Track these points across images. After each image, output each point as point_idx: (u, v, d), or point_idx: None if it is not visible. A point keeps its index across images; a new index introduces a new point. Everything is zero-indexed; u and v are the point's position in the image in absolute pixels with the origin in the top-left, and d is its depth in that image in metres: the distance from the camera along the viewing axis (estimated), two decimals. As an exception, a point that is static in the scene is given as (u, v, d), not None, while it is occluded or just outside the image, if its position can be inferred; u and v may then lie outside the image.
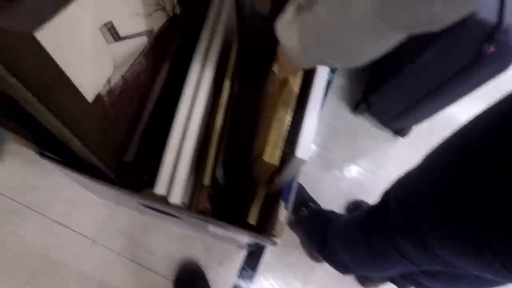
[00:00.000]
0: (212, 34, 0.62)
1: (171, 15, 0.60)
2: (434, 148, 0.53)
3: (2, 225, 0.94)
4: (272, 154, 0.48)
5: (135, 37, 0.53)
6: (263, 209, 0.60)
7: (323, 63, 0.41)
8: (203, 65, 0.58)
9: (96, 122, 0.48)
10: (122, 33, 0.51)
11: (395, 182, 0.61)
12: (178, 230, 1.04)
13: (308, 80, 0.56)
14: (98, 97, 0.48)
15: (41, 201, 0.98)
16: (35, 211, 0.97)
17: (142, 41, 0.55)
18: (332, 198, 1.13)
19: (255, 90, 0.78)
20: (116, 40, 0.50)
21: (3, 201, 0.95)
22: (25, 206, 0.96)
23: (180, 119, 0.54)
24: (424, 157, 0.55)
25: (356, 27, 0.30)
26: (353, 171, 1.20)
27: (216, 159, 0.57)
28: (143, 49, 0.55)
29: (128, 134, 0.58)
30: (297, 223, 1.05)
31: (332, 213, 0.98)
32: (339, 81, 1.38)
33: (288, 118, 0.52)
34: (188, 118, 0.54)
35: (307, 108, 0.51)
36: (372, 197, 0.98)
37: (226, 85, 0.62)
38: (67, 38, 0.40)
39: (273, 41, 0.56)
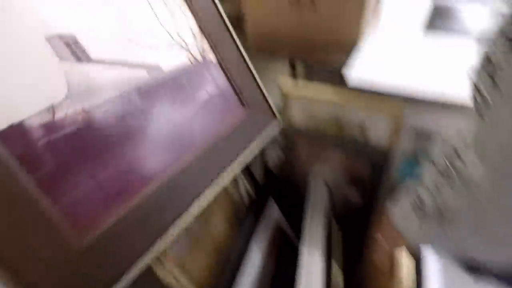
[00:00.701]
0: (313, 218, 0.58)
1: (198, 59, 0.46)
2: None
3: None
4: None
5: (120, 65, 0.38)
6: None
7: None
8: (312, 249, 0.52)
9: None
10: (94, 54, 0.36)
11: None
12: None
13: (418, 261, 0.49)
14: (20, 128, 0.28)
15: None
16: None
17: (137, 74, 0.40)
18: None
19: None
20: (80, 60, 0.35)
21: None
22: None
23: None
24: None
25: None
26: None
27: None
28: (139, 86, 0.39)
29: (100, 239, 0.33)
30: None
31: None
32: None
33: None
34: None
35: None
36: None
37: (336, 269, 0.56)
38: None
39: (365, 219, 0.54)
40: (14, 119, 0.29)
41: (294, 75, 0.69)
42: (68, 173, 0.31)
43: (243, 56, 0.52)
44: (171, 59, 0.43)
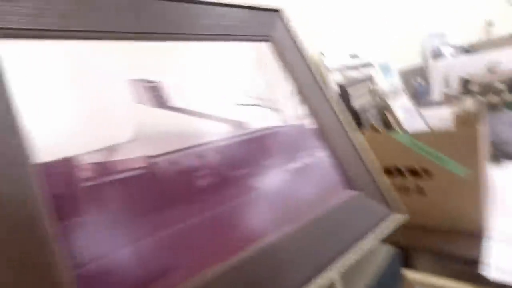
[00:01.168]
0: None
1: (293, 123, 0.40)
2: None
3: None
4: None
5: (200, 117, 0.34)
6: None
7: None
8: None
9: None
10: (173, 102, 0.33)
11: None
12: None
13: None
14: (68, 163, 0.24)
15: None
16: None
17: (218, 128, 0.34)
18: None
19: None
20: (157, 106, 0.32)
21: None
22: None
23: None
24: None
25: None
26: None
27: None
28: (216, 140, 0.33)
29: None
30: None
31: None
32: None
33: None
34: None
35: None
36: None
37: None
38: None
39: None
40: (67, 152, 0.24)
41: (407, 263, 0.58)
42: (102, 228, 0.23)
43: (346, 133, 0.44)
44: (261, 119, 0.38)
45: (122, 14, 0.32)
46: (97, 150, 0.25)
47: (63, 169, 0.23)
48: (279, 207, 0.32)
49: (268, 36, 0.43)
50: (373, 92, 0.82)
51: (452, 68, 1.50)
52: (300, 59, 0.44)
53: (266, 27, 0.44)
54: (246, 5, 0.43)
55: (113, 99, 0.29)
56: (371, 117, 0.74)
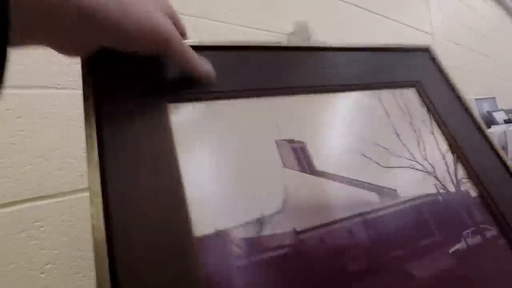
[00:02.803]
0: None
1: (450, 189, 0.33)
2: None
3: None
4: None
5: (347, 183, 0.29)
6: None
7: None
8: None
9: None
10: (319, 165, 0.29)
11: None
12: None
13: None
14: (223, 237, 0.23)
15: None
16: None
17: (365, 197, 0.29)
18: None
19: None
20: (303, 170, 0.28)
21: None
22: None
23: None
24: None
25: None
26: None
27: None
28: (365, 213, 0.28)
29: None
30: None
31: None
32: None
33: None
34: None
35: None
36: None
37: None
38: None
39: None
40: (220, 224, 0.23)
41: None
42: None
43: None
44: (411, 185, 0.32)
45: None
46: (247, 223, 0.24)
47: (219, 245, 0.23)
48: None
49: (414, 81, 0.37)
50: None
51: (508, 135, 1.39)
52: (457, 107, 0.37)
53: (412, 70, 0.37)
54: (389, 47, 0.37)
55: (264, 162, 0.28)
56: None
